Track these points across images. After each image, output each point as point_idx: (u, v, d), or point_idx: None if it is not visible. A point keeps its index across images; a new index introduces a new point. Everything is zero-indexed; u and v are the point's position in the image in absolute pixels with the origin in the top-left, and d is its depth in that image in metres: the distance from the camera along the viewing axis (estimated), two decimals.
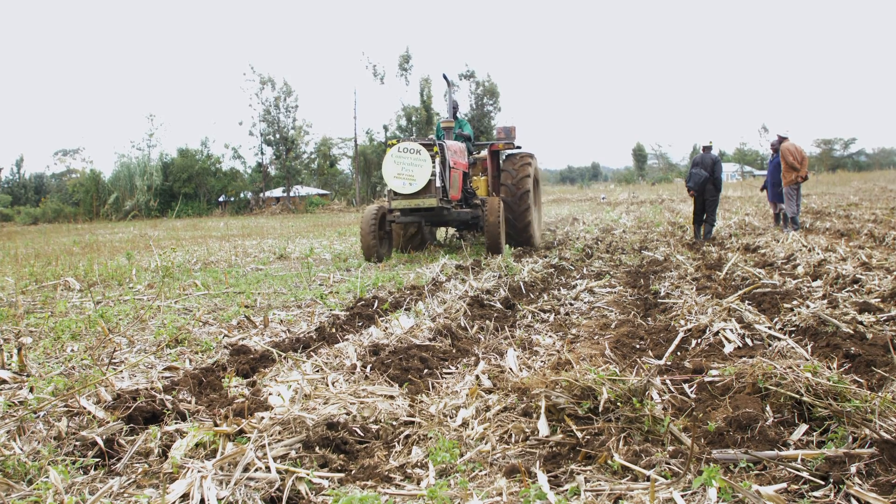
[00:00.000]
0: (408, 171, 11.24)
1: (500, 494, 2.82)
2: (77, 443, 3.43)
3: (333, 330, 6.02)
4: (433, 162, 11.22)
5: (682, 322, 5.83)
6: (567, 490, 2.87)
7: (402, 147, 11.32)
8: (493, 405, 3.78)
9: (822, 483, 2.81)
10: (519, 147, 14.33)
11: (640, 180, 74.19)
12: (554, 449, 3.27)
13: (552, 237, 16.00)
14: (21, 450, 3.29)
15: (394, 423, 3.68)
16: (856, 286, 7.00)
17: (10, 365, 4.86)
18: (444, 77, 13.78)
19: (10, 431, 3.49)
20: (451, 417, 3.76)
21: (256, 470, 3.00)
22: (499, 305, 7.27)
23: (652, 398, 3.73)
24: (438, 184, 11.30)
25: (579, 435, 3.32)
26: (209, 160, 48.03)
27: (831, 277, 7.58)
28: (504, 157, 14.20)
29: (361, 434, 3.52)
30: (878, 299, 6.29)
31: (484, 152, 14.77)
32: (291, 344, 5.55)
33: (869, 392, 3.56)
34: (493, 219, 11.89)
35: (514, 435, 3.45)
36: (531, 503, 2.73)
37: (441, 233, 17.06)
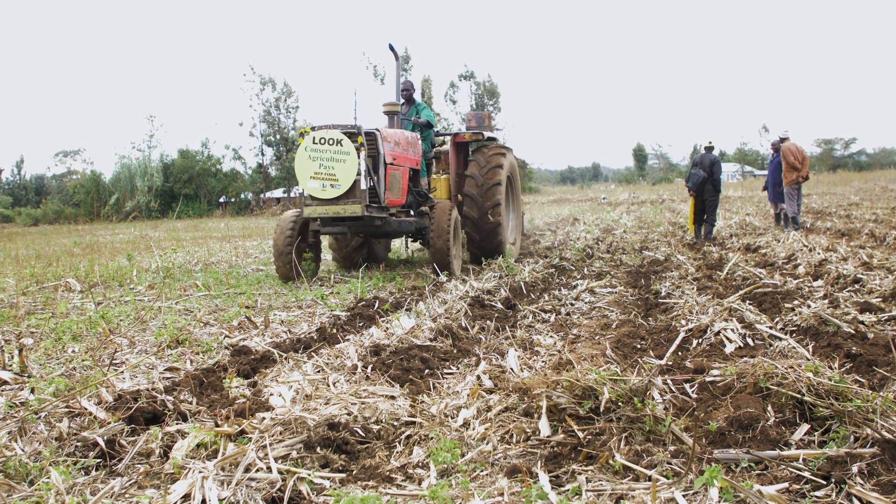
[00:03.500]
0: (328, 169, 8.69)
1: (502, 494, 2.82)
2: (78, 443, 3.43)
3: (334, 330, 6.01)
4: (359, 156, 8.68)
5: (683, 322, 5.83)
6: (568, 490, 2.87)
7: (319, 136, 8.69)
8: (494, 405, 3.78)
9: (824, 483, 2.81)
10: (493, 138, 11.86)
11: (640, 180, 74.15)
12: (555, 449, 3.27)
13: (552, 238, 15.87)
14: (22, 450, 3.29)
15: (395, 423, 3.68)
16: (857, 286, 7.00)
17: (11, 366, 4.86)
18: (391, 48, 11.12)
19: (12, 432, 3.49)
20: (452, 418, 3.76)
21: (258, 470, 3.00)
22: (499, 306, 7.27)
23: (653, 398, 3.72)
24: (364, 185, 8.71)
25: (581, 435, 3.32)
26: (210, 161, 48.02)
27: (832, 277, 7.58)
28: (473, 150, 11.74)
29: (362, 434, 3.52)
30: (880, 299, 6.29)
31: (447, 145, 12.11)
32: (292, 344, 5.56)
33: (870, 392, 3.56)
34: (441, 228, 9.34)
35: (515, 435, 3.45)
36: (532, 503, 2.73)
37: (397, 243, 14.34)
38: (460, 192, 11.26)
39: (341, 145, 8.65)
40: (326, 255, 12.47)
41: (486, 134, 11.50)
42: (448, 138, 12.12)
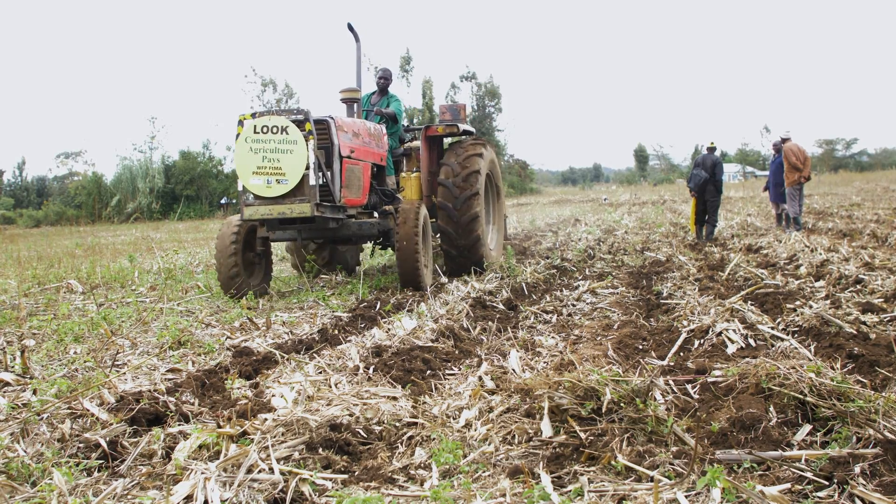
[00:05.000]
0: (272, 162, 7.48)
1: (504, 495, 2.82)
2: (80, 445, 3.43)
3: (336, 331, 6.02)
4: (307, 146, 7.47)
5: (685, 323, 5.82)
6: (570, 491, 2.87)
7: (262, 124, 7.46)
8: (496, 406, 3.78)
9: (826, 483, 2.81)
10: (470, 132, 10.46)
11: (641, 181, 74.13)
12: (557, 450, 3.27)
13: (553, 239, 15.84)
14: (25, 452, 3.30)
15: (397, 424, 3.68)
16: (858, 286, 6.99)
17: (13, 367, 4.87)
18: (350, 28, 9.71)
19: (14, 433, 3.50)
20: (454, 418, 3.76)
21: (260, 471, 3.00)
22: (501, 306, 7.27)
23: (655, 399, 3.73)
24: (314, 180, 7.50)
25: (582, 436, 3.32)
26: (211, 162, 48.02)
27: (834, 278, 7.57)
28: (447, 146, 10.52)
29: (364, 435, 3.52)
30: (881, 299, 6.28)
31: (417, 141, 10.69)
32: (294, 345, 5.56)
33: (872, 392, 3.56)
34: (407, 231, 8.15)
35: (517, 436, 3.45)
36: None
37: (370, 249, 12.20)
38: (434, 193, 9.83)
39: (287, 133, 7.44)
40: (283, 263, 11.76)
41: (462, 127, 10.18)
42: (419, 134, 10.66)
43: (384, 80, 10.15)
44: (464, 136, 10.43)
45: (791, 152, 14.16)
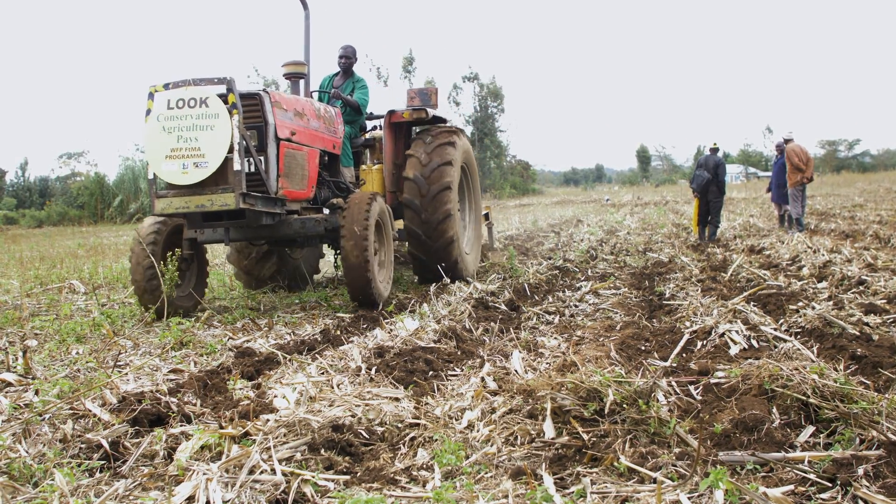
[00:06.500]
0: (189, 142, 6.12)
1: (506, 497, 2.81)
2: (82, 445, 3.43)
3: (338, 332, 6.02)
4: (231, 122, 6.14)
5: (688, 323, 5.81)
6: (573, 492, 2.86)
7: (177, 97, 6.17)
8: (498, 407, 3.77)
9: (830, 485, 2.80)
10: (440, 118, 9.18)
11: (643, 182, 74.04)
12: (560, 451, 3.27)
13: (556, 240, 15.79)
14: (27, 452, 3.30)
15: (399, 425, 3.68)
16: (861, 287, 6.98)
17: (15, 367, 4.87)
18: None
19: (16, 434, 3.50)
20: (456, 419, 3.76)
21: (262, 472, 3.00)
22: (503, 307, 7.26)
23: (658, 400, 3.72)
24: (238, 166, 6.14)
25: (585, 437, 3.32)
26: None
27: (836, 279, 7.56)
28: (414, 137, 9.09)
29: (367, 436, 3.52)
30: (884, 300, 6.27)
31: (379, 131, 9.02)
32: (296, 346, 5.56)
33: (876, 394, 3.55)
34: (353, 231, 6.78)
35: (519, 437, 3.44)
36: None
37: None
38: (399, 189, 8.60)
39: (206, 106, 6.10)
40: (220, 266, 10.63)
41: (431, 112, 8.82)
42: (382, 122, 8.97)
43: (346, 59, 8.74)
44: (434, 124, 9.09)
45: (793, 153, 14.15)
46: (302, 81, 8.06)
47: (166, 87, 6.25)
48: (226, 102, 6.20)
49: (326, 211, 7.61)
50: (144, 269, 6.78)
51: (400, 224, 8.70)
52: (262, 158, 6.52)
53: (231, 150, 6.14)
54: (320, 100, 8.47)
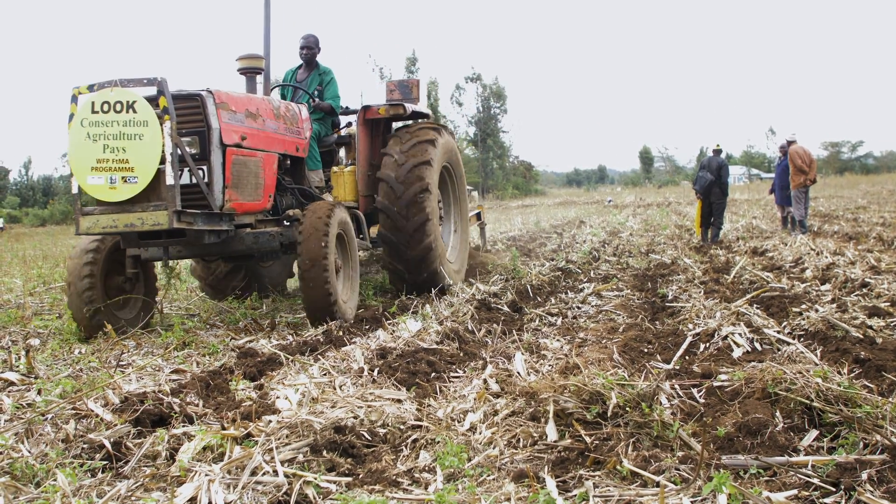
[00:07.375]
0: (116, 153, 5.45)
1: (509, 499, 2.81)
2: (85, 445, 3.43)
3: (340, 333, 6.01)
4: (162, 130, 5.43)
5: (691, 326, 5.80)
6: (576, 495, 2.86)
7: (102, 99, 5.46)
8: (500, 409, 3.77)
9: (833, 490, 2.79)
10: (422, 113, 8.43)
11: (646, 183, 74.02)
12: (562, 454, 3.26)
13: (558, 241, 15.77)
14: (29, 452, 3.30)
15: (401, 426, 3.67)
16: (865, 290, 6.96)
17: (18, 367, 4.88)
18: None
19: (19, 434, 3.50)
20: (458, 421, 3.75)
21: (264, 474, 2.99)
22: (506, 309, 7.25)
23: (661, 403, 3.71)
24: (171, 179, 5.46)
25: (588, 440, 3.31)
26: None
27: (840, 281, 7.54)
28: (391, 135, 8.23)
29: (369, 438, 3.51)
30: (888, 303, 6.25)
31: (354, 126, 8.18)
32: (299, 347, 5.55)
33: (879, 397, 3.54)
34: (310, 245, 6.08)
35: (522, 439, 3.43)
36: None
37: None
38: (375, 192, 7.74)
39: (134, 111, 5.40)
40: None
41: (410, 107, 8.03)
42: (355, 118, 8.13)
43: (308, 49, 7.92)
44: (413, 120, 8.33)
45: (797, 155, 14.13)
46: (259, 77, 7.25)
47: (91, 88, 5.57)
48: (157, 107, 5.50)
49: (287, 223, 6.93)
50: (80, 285, 6.07)
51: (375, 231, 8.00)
52: (204, 169, 5.84)
53: (163, 162, 5.46)
54: (282, 97, 7.85)
